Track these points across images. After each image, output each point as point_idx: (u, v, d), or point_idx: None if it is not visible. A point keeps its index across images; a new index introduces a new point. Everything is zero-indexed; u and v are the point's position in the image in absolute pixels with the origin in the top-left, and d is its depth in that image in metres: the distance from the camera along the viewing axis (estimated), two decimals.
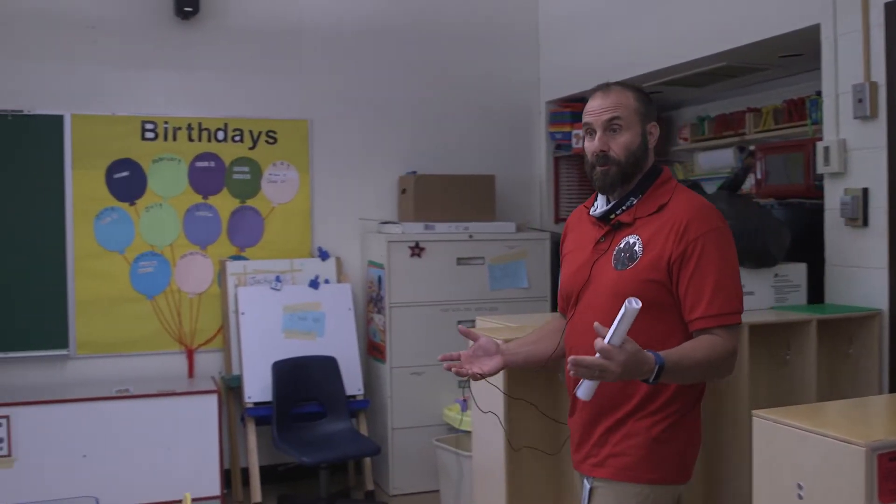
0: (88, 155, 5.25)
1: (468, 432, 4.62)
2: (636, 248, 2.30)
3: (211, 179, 5.51)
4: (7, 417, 4.67)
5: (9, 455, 4.66)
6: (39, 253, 5.17)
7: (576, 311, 2.43)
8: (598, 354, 1.96)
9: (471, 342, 2.51)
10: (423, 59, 5.95)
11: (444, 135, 6.00)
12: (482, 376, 2.46)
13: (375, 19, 5.84)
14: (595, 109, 2.38)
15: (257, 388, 5.14)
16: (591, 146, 2.38)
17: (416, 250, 5.37)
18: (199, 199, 5.49)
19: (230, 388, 5.33)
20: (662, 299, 2.27)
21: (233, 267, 5.47)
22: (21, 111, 5.13)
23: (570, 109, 5.97)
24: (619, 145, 2.34)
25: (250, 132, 5.59)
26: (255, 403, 5.12)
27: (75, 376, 5.23)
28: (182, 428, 4.92)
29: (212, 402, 4.99)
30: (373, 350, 5.62)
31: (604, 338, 1.96)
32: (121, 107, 5.33)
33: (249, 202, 5.59)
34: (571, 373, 2.00)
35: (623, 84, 2.42)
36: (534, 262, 5.63)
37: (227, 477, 5.24)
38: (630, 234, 2.34)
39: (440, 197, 5.56)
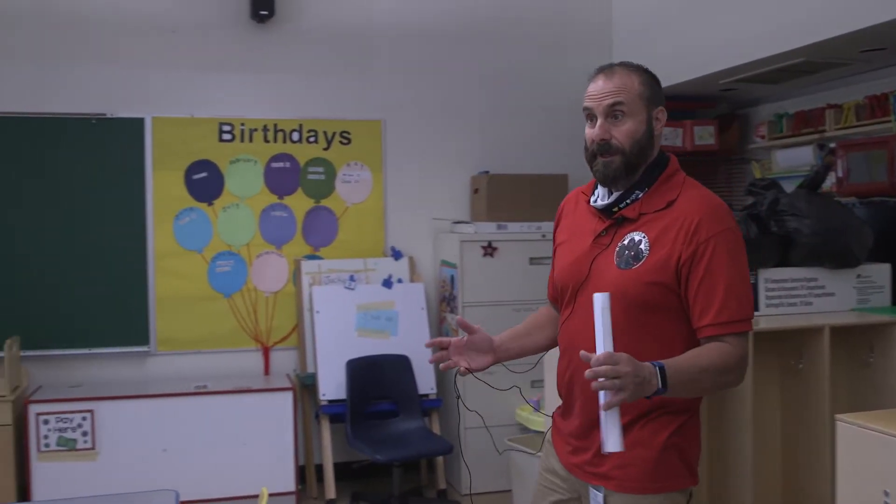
0: (168, 156, 5.38)
1: (540, 432, 4.61)
2: (642, 246, 2.14)
3: (286, 180, 5.60)
4: (91, 412, 4.81)
5: (93, 448, 4.81)
6: (121, 252, 5.31)
7: (573, 308, 2.26)
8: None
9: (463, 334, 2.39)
10: (495, 59, 5.94)
11: (516, 134, 5.98)
12: (469, 371, 2.35)
13: (446, 20, 5.86)
14: (596, 93, 2.19)
15: (331, 385, 5.20)
16: (591, 133, 2.20)
17: (489, 250, 5.38)
18: (274, 199, 5.58)
19: (305, 386, 5.40)
20: (668, 302, 2.12)
21: (307, 266, 5.54)
22: (104, 115, 5.28)
23: None
24: (623, 133, 2.15)
25: (324, 133, 5.65)
26: (330, 401, 5.18)
27: (155, 372, 5.38)
28: (258, 424, 5.01)
29: (287, 399, 5.07)
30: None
31: (595, 355, 1.85)
32: (199, 109, 5.45)
33: (324, 202, 5.66)
34: (594, 387, 1.85)
35: (628, 65, 2.22)
36: None
37: (301, 473, 5.31)
38: (635, 230, 2.17)
39: (513, 196, 5.55)
